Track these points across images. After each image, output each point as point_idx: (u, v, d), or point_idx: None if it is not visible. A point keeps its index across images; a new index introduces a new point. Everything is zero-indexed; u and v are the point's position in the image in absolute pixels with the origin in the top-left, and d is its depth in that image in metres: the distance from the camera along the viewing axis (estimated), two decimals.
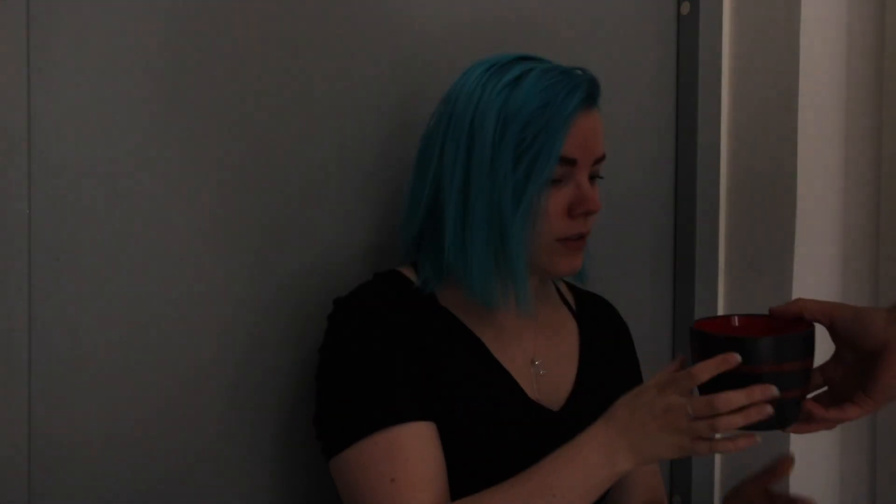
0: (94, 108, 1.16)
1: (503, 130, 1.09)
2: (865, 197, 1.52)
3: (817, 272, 1.54)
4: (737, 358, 0.96)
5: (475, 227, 1.11)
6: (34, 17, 1.12)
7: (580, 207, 1.12)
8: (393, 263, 1.25)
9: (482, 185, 1.10)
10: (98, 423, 1.17)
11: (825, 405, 1.03)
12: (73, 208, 1.15)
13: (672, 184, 1.63)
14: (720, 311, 1.63)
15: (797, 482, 1.52)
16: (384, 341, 1.10)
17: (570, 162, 1.11)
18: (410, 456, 1.05)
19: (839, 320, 1.03)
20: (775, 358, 0.97)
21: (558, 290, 1.32)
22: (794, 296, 1.47)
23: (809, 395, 1.04)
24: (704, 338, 1.01)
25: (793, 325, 1.04)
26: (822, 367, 1.07)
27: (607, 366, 1.27)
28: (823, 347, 1.05)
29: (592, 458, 1.02)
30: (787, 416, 0.99)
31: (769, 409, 0.97)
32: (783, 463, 1.15)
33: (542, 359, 1.21)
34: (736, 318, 1.08)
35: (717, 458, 1.63)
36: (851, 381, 1.04)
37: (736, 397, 0.96)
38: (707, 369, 0.97)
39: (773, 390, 0.96)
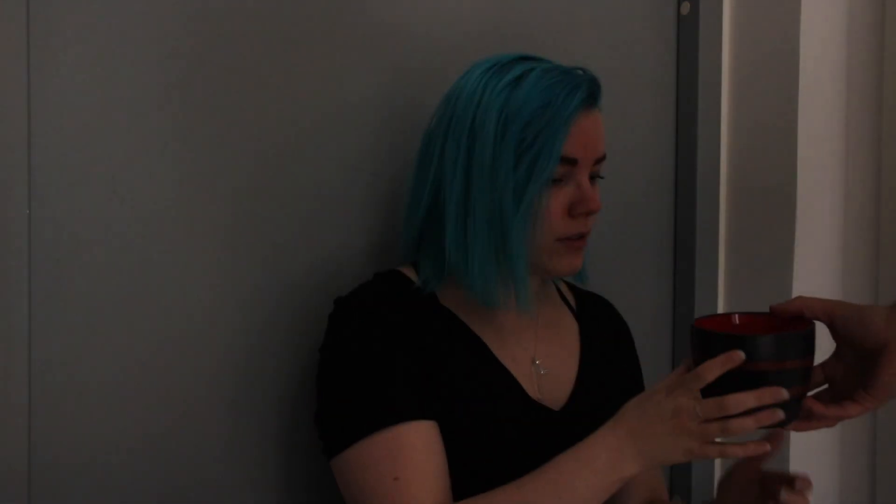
0: (94, 109, 1.16)
1: (504, 130, 1.09)
2: (865, 197, 1.53)
3: (817, 272, 1.53)
4: (741, 355, 0.96)
5: (476, 226, 1.11)
6: (34, 17, 1.12)
7: (581, 207, 1.12)
8: (393, 263, 1.25)
9: (483, 184, 1.10)
10: (98, 424, 1.17)
11: (825, 403, 1.03)
12: (73, 208, 1.15)
13: (672, 184, 1.63)
14: (720, 311, 1.63)
15: None
16: (385, 341, 1.10)
17: (570, 162, 1.11)
18: (413, 454, 1.05)
19: (840, 318, 1.03)
20: (776, 356, 0.97)
21: (559, 289, 1.32)
22: (794, 296, 1.47)
23: (810, 393, 1.04)
24: (705, 336, 1.01)
25: (793, 323, 1.04)
26: (823, 365, 1.07)
27: (608, 365, 1.27)
28: (824, 345, 1.05)
29: (600, 460, 1.01)
30: (788, 413, 0.99)
31: (781, 415, 0.97)
32: (773, 440, 1.14)
33: (543, 358, 1.21)
34: (736, 316, 1.08)
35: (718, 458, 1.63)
36: (852, 378, 1.04)
37: (746, 399, 0.96)
38: (712, 368, 0.97)
39: (783, 393, 0.96)
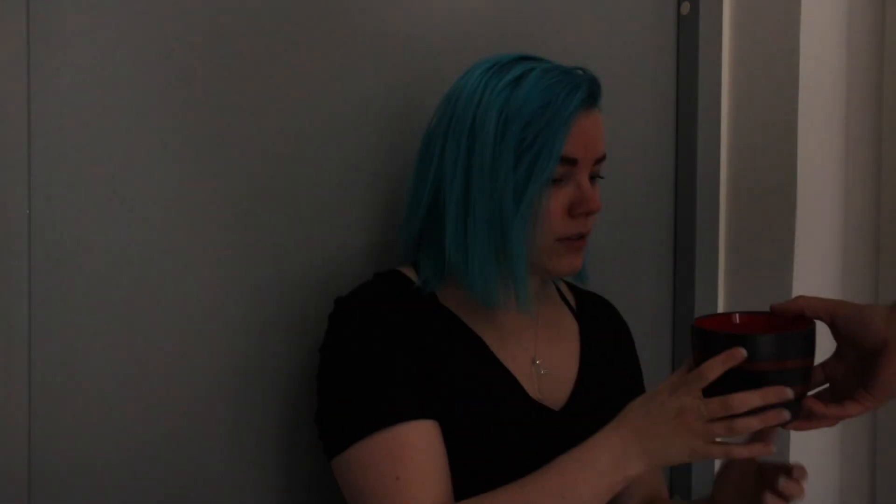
0: (94, 109, 1.16)
1: (504, 130, 1.09)
2: (865, 197, 1.53)
3: (817, 272, 1.54)
4: (742, 353, 0.96)
5: (476, 226, 1.11)
6: (34, 17, 1.12)
7: (581, 207, 1.12)
8: (393, 263, 1.25)
9: (483, 184, 1.10)
10: (98, 424, 1.17)
11: (826, 402, 1.03)
12: (73, 209, 1.15)
13: (672, 184, 1.63)
14: (720, 311, 1.63)
15: None
16: (385, 340, 1.10)
17: (570, 162, 1.11)
18: (415, 454, 1.05)
19: (840, 318, 1.03)
20: (776, 355, 0.97)
21: (559, 290, 1.32)
22: (794, 296, 1.47)
23: (811, 392, 1.04)
24: (705, 335, 1.00)
25: (794, 322, 1.04)
26: (824, 365, 1.07)
27: (608, 365, 1.27)
28: (825, 345, 1.05)
29: (603, 461, 1.01)
30: (789, 413, 0.99)
31: (787, 415, 0.97)
32: (766, 439, 1.14)
33: (543, 358, 1.21)
34: (737, 315, 1.08)
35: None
36: (853, 378, 1.04)
37: (751, 398, 0.96)
38: (714, 367, 0.97)
39: (788, 392, 0.96)
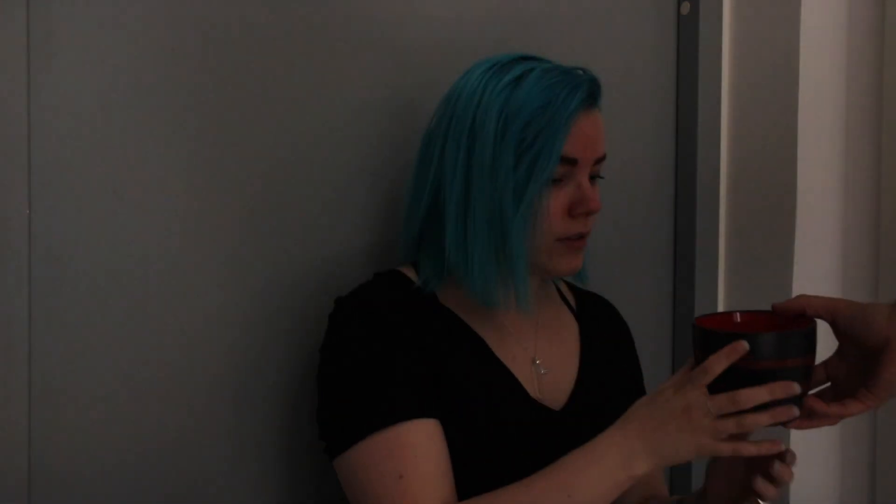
0: (94, 109, 1.16)
1: (504, 130, 1.09)
2: (865, 197, 1.53)
3: (817, 272, 1.53)
4: (745, 345, 0.96)
5: (476, 226, 1.11)
6: (34, 17, 1.12)
7: (580, 207, 1.12)
8: (393, 263, 1.25)
9: (483, 184, 1.10)
10: (98, 424, 1.17)
11: (827, 401, 1.03)
12: (73, 208, 1.15)
13: (672, 184, 1.63)
14: (720, 311, 1.63)
15: (797, 481, 1.52)
16: (385, 340, 1.10)
17: (570, 162, 1.11)
18: (417, 453, 1.05)
19: (842, 316, 1.03)
20: (778, 354, 0.97)
21: (559, 290, 1.32)
22: (794, 296, 1.47)
23: (812, 391, 1.04)
24: (707, 335, 1.00)
25: (795, 321, 1.04)
26: (825, 363, 1.07)
27: (608, 365, 1.27)
28: (826, 343, 1.05)
29: (609, 460, 1.01)
30: (797, 409, 0.99)
31: (796, 411, 0.97)
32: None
33: (543, 358, 1.21)
34: (738, 314, 1.08)
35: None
36: (854, 376, 1.04)
37: (758, 393, 0.96)
38: (719, 361, 0.97)
39: (795, 387, 0.97)
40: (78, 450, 1.16)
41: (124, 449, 1.19)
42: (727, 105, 1.63)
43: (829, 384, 1.08)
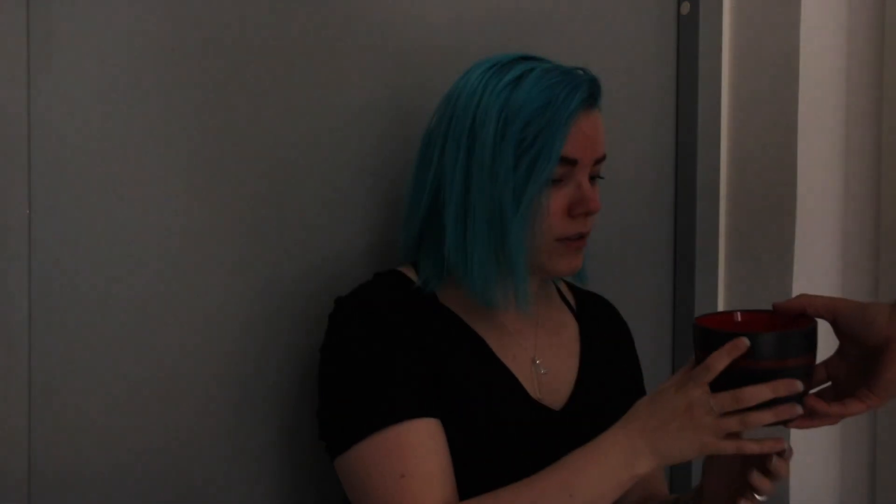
0: (94, 108, 1.16)
1: (504, 130, 1.09)
2: (865, 197, 1.53)
3: (817, 273, 1.53)
4: (745, 342, 0.96)
5: (475, 226, 1.11)
6: (34, 17, 1.12)
7: (580, 207, 1.12)
8: (393, 263, 1.25)
9: (482, 184, 1.10)
10: (98, 424, 1.17)
11: (828, 400, 1.03)
12: (73, 208, 1.15)
13: (672, 184, 1.63)
14: (721, 310, 1.63)
15: (797, 481, 1.53)
16: (385, 340, 1.10)
17: (570, 162, 1.11)
18: (419, 452, 1.05)
19: (843, 316, 1.03)
20: (778, 353, 0.97)
21: (559, 290, 1.32)
22: (794, 296, 1.47)
23: (813, 391, 1.04)
24: (708, 334, 1.00)
25: (796, 320, 1.04)
26: (826, 363, 1.07)
27: (608, 365, 1.27)
28: (827, 343, 1.05)
29: (612, 459, 1.01)
30: (801, 407, 0.99)
31: (799, 409, 0.97)
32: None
33: (543, 358, 1.21)
34: (738, 313, 1.08)
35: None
36: (855, 376, 1.04)
37: (761, 391, 0.96)
38: (720, 359, 0.97)
39: (798, 385, 0.97)
40: (78, 450, 1.16)
41: (124, 449, 1.19)
42: (727, 105, 1.63)
43: (829, 384, 1.08)
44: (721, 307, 1.64)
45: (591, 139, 1.13)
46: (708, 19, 1.59)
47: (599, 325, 1.31)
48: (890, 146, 1.48)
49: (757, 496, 1.06)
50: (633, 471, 1.01)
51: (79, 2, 1.14)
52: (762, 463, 1.04)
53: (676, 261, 1.63)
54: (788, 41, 1.51)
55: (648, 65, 1.59)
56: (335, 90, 1.31)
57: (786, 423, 1.00)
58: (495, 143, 1.09)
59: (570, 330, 1.27)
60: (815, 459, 1.55)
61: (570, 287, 1.35)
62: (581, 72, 1.14)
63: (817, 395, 1.04)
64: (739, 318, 1.08)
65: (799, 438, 1.35)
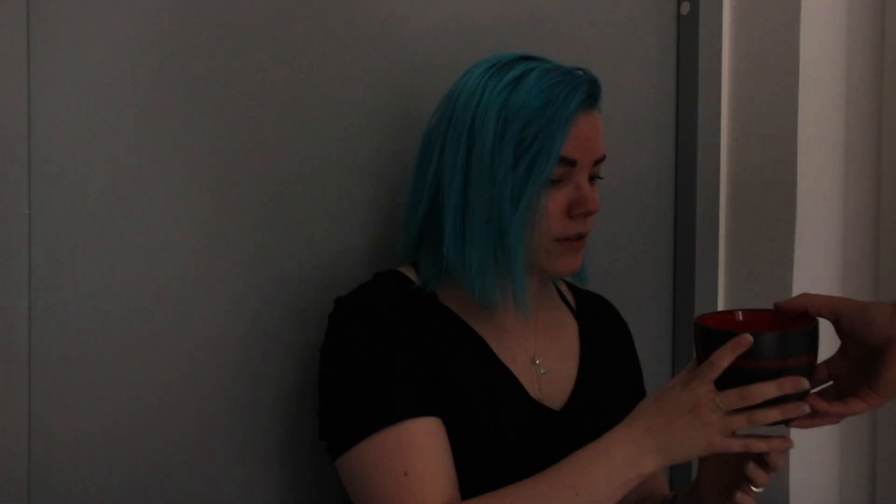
0: (94, 109, 1.16)
1: (503, 130, 1.09)
2: (865, 196, 1.53)
3: (817, 272, 1.53)
4: (749, 338, 0.96)
5: (474, 226, 1.10)
6: (34, 17, 1.12)
7: (579, 208, 1.12)
8: (393, 263, 1.25)
9: (482, 184, 1.09)
10: (98, 424, 1.17)
11: (829, 400, 1.03)
12: (73, 209, 1.15)
13: (672, 184, 1.63)
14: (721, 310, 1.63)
15: (797, 481, 1.53)
16: (385, 340, 1.10)
17: (569, 162, 1.11)
18: (422, 450, 1.05)
19: (844, 315, 1.03)
20: (780, 353, 0.97)
21: (558, 290, 1.32)
22: (794, 296, 1.47)
23: (815, 390, 1.04)
24: (709, 334, 1.00)
25: (797, 320, 1.04)
26: (828, 362, 1.07)
27: (608, 365, 1.27)
28: (829, 342, 1.05)
29: (618, 457, 1.01)
30: (808, 405, 0.99)
31: (807, 408, 0.97)
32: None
33: (543, 358, 1.21)
34: (740, 313, 1.08)
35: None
36: (856, 375, 1.04)
37: (767, 389, 0.96)
38: (724, 356, 0.97)
39: (804, 382, 0.97)
40: (78, 450, 1.16)
41: (124, 449, 1.19)
42: (727, 105, 1.63)
43: (830, 383, 1.08)
44: (721, 307, 1.64)
45: (591, 139, 1.13)
46: (708, 19, 1.59)
47: (599, 325, 1.31)
48: (890, 146, 1.48)
49: (753, 488, 1.06)
50: (638, 469, 1.01)
51: (79, 2, 1.14)
52: (759, 455, 1.04)
53: (676, 261, 1.63)
54: (788, 41, 1.51)
55: (648, 65, 1.59)
56: (335, 90, 1.31)
57: (788, 422, 1.00)
58: (495, 143, 1.09)
59: (569, 330, 1.27)
60: (815, 459, 1.55)
61: (570, 287, 1.35)
62: (581, 72, 1.14)
63: (818, 394, 1.04)
64: (741, 318, 1.08)
65: (798, 438, 1.35)
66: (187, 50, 1.21)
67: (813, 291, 1.08)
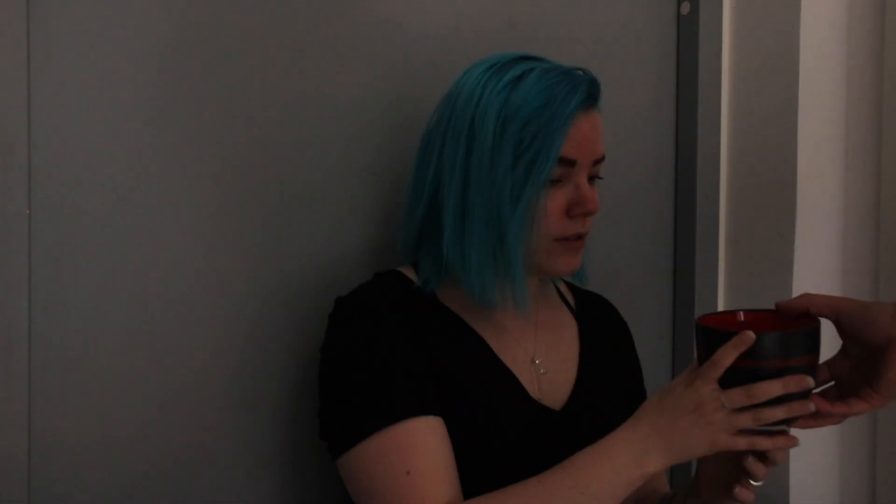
0: (94, 109, 1.16)
1: (503, 130, 1.09)
2: (865, 196, 1.53)
3: (817, 272, 1.53)
4: (751, 336, 0.96)
5: (474, 226, 1.10)
6: (34, 17, 1.11)
7: (579, 208, 1.12)
8: (393, 263, 1.25)
9: (481, 184, 1.09)
10: (98, 424, 1.17)
11: (831, 400, 1.03)
12: (73, 209, 1.15)
13: (672, 184, 1.63)
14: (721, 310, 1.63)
15: (797, 481, 1.53)
16: (385, 339, 1.10)
17: (569, 163, 1.11)
18: (424, 449, 1.05)
19: (845, 315, 1.03)
20: (782, 353, 0.97)
21: (558, 289, 1.32)
22: (794, 296, 1.47)
23: (816, 390, 1.04)
24: (710, 334, 1.00)
25: (799, 320, 1.04)
26: (829, 363, 1.07)
27: (608, 365, 1.27)
28: (830, 342, 1.05)
29: (622, 457, 1.01)
30: (814, 404, 0.99)
31: (812, 406, 0.97)
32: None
33: (543, 358, 1.21)
34: (741, 313, 1.08)
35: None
36: (858, 376, 1.04)
37: (772, 387, 0.96)
38: (727, 354, 0.97)
39: (809, 381, 0.97)
40: (78, 450, 1.16)
41: (124, 449, 1.19)
42: (727, 105, 1.63)
43: (832, 383, 1.08)
44: (721, 307, 1.64)
45: (590, 140, 1.12)
46: (708, 19, 1.59)
47: (599, 324, 1.31)
48: (890, 146, 1.48)
49: (752, 482, 1.06)
50: (643, 469, 1.01)
51: (79, 2, 1.14)
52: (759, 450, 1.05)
53: (676, 261, 1.63)
54: (788, 41, 1.51)
55: (648, 65, 1.60)
56: (336, 90, 1.31)
57: (790, 422, 1.00)
58: (494, 143, 1.09)
59: (569, 330, 1.27)
60: (815, 459, 1.55)
61: (570, 287, 1.35)
62: (580, 72, 1.14)
63: (820, 395, 1.04)
64: (742, 318, 1.07)
65: (799, 438, 1.36)
66: (188, 50, 1.21)
67: (813, 291, 1.08)
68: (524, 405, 1.15)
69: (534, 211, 1.10)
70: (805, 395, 0.98)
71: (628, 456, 1.01)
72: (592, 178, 1.16)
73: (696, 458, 1.01)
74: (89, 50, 1.15)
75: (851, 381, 1.05)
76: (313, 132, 1.29)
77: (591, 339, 1.27)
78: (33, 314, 1.12)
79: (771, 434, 1.00)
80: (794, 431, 1.03)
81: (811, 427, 1.03)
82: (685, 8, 1.60)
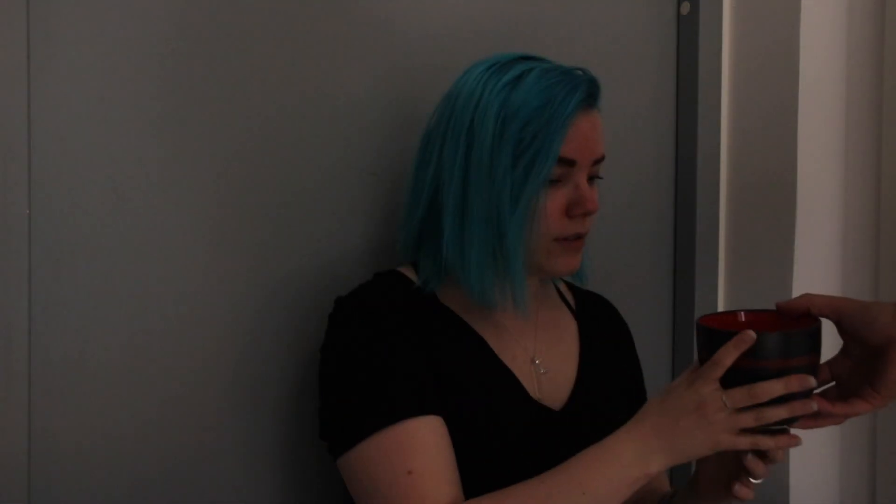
0: (94, 109, 1.16)
1: (502, 130, 1.09)
2: (865, 196, 1.53)
3: (817, 272, 1.53)
4: (752, 335, 0.96)
5: (473, 225, 1.10)
6: (34, 17, 1.11)
7: (578, 208, 1.12)
8: (393, 263, 1.25)
9: (481, 184, 1.09)
10: (98, 424, 1.17)
11: (832, 400, 1.03)
12: (73, 209, 1.15)
13: (672, 184, 1.63)
14: (721, 311, 1.63)
15: (797, 481, 1.53)
16: (385, 340, 1.10)
17: (568, 162, 1.10)
18: (425, 449, 1.04)
19: (846, 315, 1.03)
20: (783, 353, 0.97)
21: (558, 289, 1.32)
22: (794, 296, 1.47)
23: (817, 390, 1.04)
24: (711, 334, 1.00)
25: (799, 320, 1.04)
26: (830, 363, 1.07)
27: (608, 365, 1.27)
28: (831, 342, 1.05)
29: (625, 457, 1.01)
30: (816, 404, 0.99)
31: (814, 406, 0.97)
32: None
33: (543, 358, 1.21)
34: (742, 313, 1.08)
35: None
36: (859, 376, 1.04)
37: (774, 386, 0.96)
38: (728, 353, 0.97)
39: (811, 380, 0.97)
40: (78, 450, 1.16)
41: (124, 448, 1.19)
42: (727, 105, 1.63)
43: (833, 383, 1.08)
44: (721, 307, 1.64)
45: (590, 140, 1.12)
46: (708, 19, 1.59)
47: (599, 324, 1.31)
48: (890, 146, 1.48)
49: (752, 479, 1.06)
50: (645, 469, 1.01)
51: (79, 2, 1.14)
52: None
53: (676, 261, 1.63)
54: (788, 41, 1.51)
55: (648, 65, 1.60)
56: (336, 90, 1.30)
57: (791, 421, 1.00)
58: (493, 143, 1.09)
59: (569, 330, 1.27)
60: (815, 459, 1.55)
61: (570, 287, 1.35)
62: (580, 72, 1.14)
63: (821, 394, 1.04)
64: (743, 318, 1.07)
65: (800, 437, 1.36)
66: (188, 50, 1.21)
67: (813, 291, 1.08)
68: (524, 405, 1.15)
69: (533, 211, 1.10)
70: (807, 394, 0.98)
71: (630, 456, 1.01)
72: (592, 178, 1.16)
73: (699, 458, 1.01)
74: (89, 50, 1.15)
75: (852, 381, 1.05)
76: (313, 132, 1.29)
77: (591, 338, 1.27)
78: (33, 314, 1.12)
79: (773, 433, 1.00)
80: (795, 430, 1.03)
81: (812, 427, 1.03)
82: (685, 8, 1.60)
